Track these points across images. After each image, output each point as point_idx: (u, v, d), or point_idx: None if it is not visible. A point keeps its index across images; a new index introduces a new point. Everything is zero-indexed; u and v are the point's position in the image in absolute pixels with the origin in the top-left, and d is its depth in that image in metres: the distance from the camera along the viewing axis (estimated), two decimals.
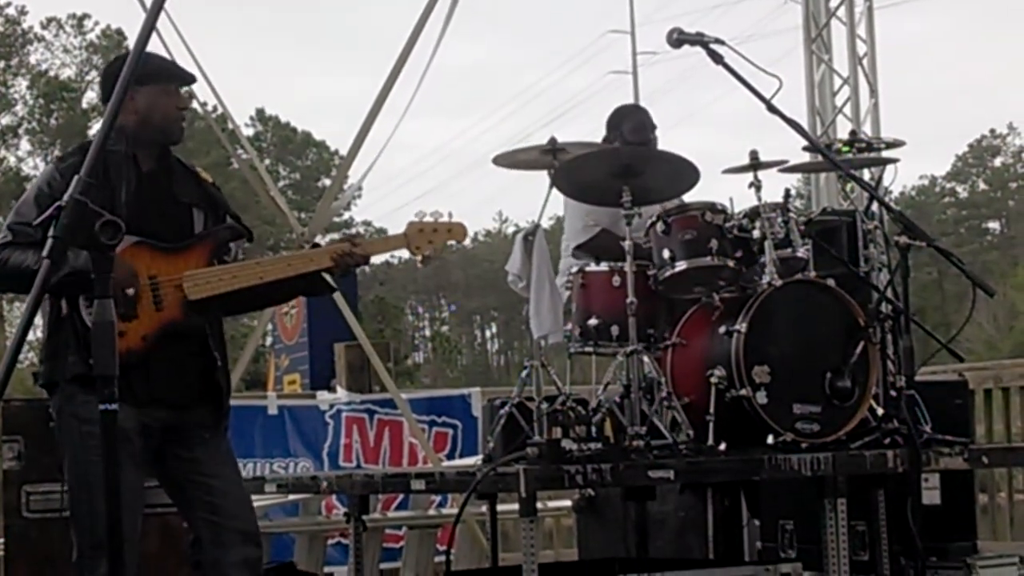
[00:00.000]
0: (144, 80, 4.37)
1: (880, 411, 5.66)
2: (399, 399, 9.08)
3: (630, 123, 6.65)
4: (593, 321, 5.62)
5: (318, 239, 8.86)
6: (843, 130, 12.35)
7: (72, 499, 4.31)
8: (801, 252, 5.74)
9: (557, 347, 5.89)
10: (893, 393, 5.68)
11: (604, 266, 5.69)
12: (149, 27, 3.04)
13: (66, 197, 2.86)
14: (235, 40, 74.99)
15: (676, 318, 5.82)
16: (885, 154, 6.33)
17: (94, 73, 47.60)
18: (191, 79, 4.74)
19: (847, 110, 12.72)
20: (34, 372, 4.49)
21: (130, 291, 4.26)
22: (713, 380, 5.45)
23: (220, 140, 11.87)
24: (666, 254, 5.61)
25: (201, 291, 4.40)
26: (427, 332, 60.55)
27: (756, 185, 5.75)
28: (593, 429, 5.33)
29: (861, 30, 12.79)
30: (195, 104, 9.27)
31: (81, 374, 4.18)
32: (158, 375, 4.35)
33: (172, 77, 4.63)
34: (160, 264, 4.38)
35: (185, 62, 7.39)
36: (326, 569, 8.25)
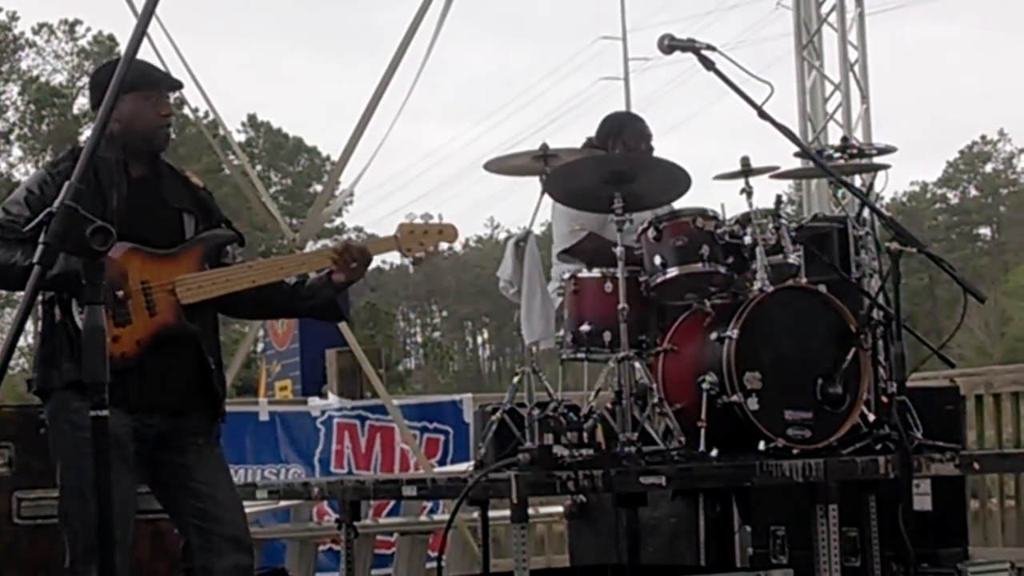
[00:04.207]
0: (126, 88, 4.32)
1: (871, 417, 5.67)
2: (390, 405, 9.07)
3: (632, 131, 6.63)
4: (585, 327, 5.61)
5: (309, 245, 8.86)
6: (834, 136, 12.40)
7: (65, 505, 4.31)
8: (792, 258, 5.75)
9: (549, 353, 5.88)
10: (884, 399, 5.68)
11: (596, 272, 5.68)
12: (140, 33, 3.04)
13: (57, 203, 2.85)
14: (226, 46, 75.07)
15: (668, 324, 5.82)
16: (876, 160, 6.34)
17: (86, 79, 47.50)
18: (176, 85, 4.70)
19: (838, 116, 12.76)
20: (27, 379, 4.49)
21: (119, 293, 4.26)
22: (705, 386, 5.45)
23: (211, 146, 11.85)
24: (657, 260, 5.61)
25: (194, 295, 4.41)
26: (419, 338, 60.55)
27: (747, 191, 5.74)
28: (584, 435, 5.32)
29: (852, 36, 12.84)
30: (186, 110, 9.29)
31: (75, 380, 4.16)
32: (153, 380, 4.34)
33: (155, 83, 4.56)
34: (152, 269, 4.37)
35: (176, 68, 7.40)
36: (317, 575, 8.24)
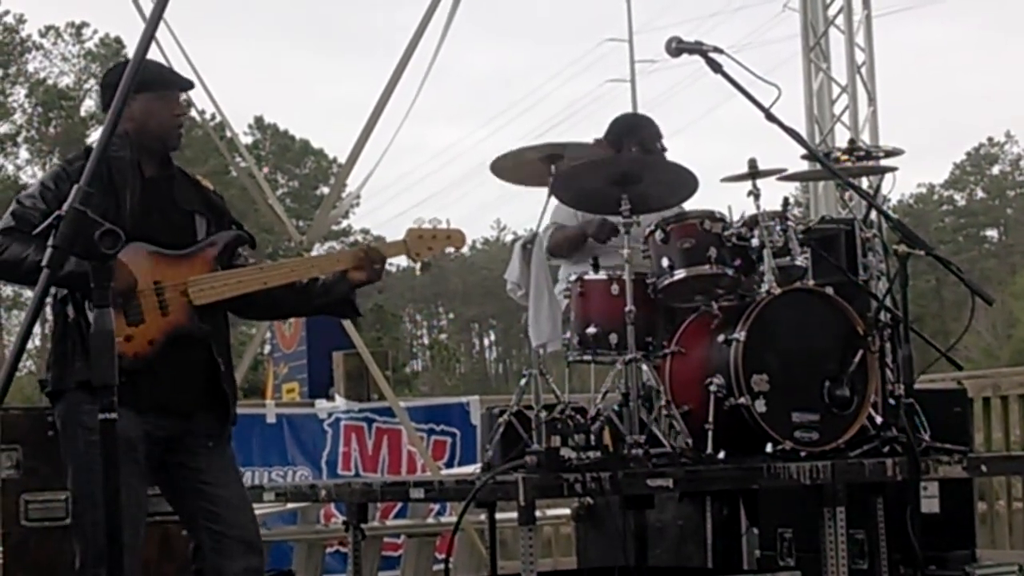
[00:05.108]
0: (140, 88, 4.33)
1: (879, 419, 5.66)
2: (397, 407, 9.07)
3: (650, 132, 6.62)
4: (592, 329, 5.61)
5: (316, 247, 8.87)
6: (841, 138, 12.36)
7: (76, 508, 4.31)
8: (800, 260, 5.74)
9: (556, 355, 5.88)
10: (892, 401, 5.68)
11: (603, 274, 5.68)
12: (149, 35, 3.04)
13: (66, 206, 2.85)
14: (226, 46, 75.12)
15: (675, 326, 5.81)
16: (883, 162, 6.33)
17: (92, 81, 47.64)
18: (188, 85, 4.74)
19: (845, 118, 12.73)
20: (40, 380, 4.49)
21: (131, 288, 4.25)
22: (712, 388, 5.45)
23: (218, 148, 11.86)
24: (665, 262, 5.61)
25: (206, 296, 4.42)
26: (425, 340, 60.57)
27: (755, 193, 5.75)
28: (592, 437, 5.32)
29: (859, 38, 12.81)
30: (193, 112, 9.27)
31: (88, 380, 4.16)
32: (164, 381, 4.34)
33: (168, 84, 4.62)
34: (164, 270, 4.38)
35: (183, 70, 7.39)
36: None
